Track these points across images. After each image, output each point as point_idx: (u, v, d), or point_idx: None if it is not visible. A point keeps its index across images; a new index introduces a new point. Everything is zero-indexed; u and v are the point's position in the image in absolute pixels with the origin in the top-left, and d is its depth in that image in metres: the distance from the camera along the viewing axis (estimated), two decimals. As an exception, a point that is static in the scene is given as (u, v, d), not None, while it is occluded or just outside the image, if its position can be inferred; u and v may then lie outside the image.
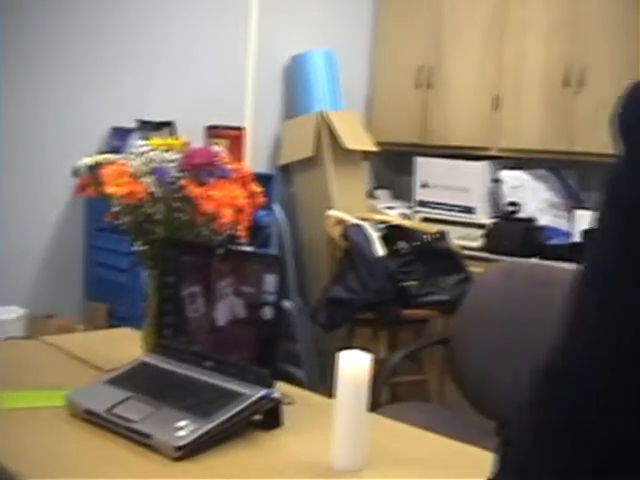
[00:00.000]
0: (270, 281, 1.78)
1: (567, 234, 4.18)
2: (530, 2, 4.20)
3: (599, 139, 3.98)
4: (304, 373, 4.35)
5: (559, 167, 4.36)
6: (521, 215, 4.19)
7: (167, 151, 1.98)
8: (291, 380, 2.15)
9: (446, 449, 1.81)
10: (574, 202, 4.33)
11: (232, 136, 4.13)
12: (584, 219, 4.11)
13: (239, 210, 1.93)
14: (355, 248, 3.72)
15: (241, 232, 1.98)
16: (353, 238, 3.75)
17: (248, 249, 2.76)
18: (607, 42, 3.96)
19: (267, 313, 1.79)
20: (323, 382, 1.72)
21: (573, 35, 4.06)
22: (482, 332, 3.14)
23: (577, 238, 4.08)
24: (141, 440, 1.64)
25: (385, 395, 3.28)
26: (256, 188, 2.03)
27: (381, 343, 3.76)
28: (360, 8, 4.87)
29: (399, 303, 3.67)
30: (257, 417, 1.75)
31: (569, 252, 3.94)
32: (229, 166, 1.98)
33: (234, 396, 1.74)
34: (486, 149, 4.39)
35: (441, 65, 4.56)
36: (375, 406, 2.36)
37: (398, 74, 4.74)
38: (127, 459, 1.61)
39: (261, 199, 2.04)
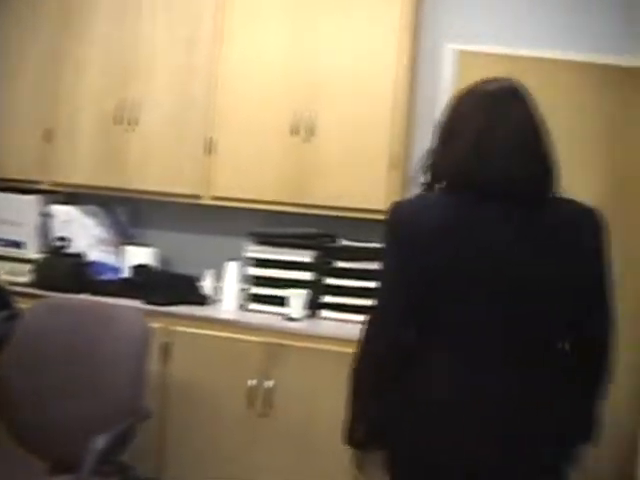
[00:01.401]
0: None
1: (117, 269, 4.23)
2: (87, 40, 4.21)
3: (151, 177, 4.13)
4: None
5: (110, 203, 4.41)
6: (71, 250, 4.16)
7: None
8: None
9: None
10: (124, 238, 4.40)
11: None
12: (134, 255, 4.21)
13: None
14: None
15: None
16: None
17: None
18: (160, 80, 4.12)
19: None
20: None
21: (126, 73, 4.16)
22: (30, 370, 3.07)
23: (127, 273, 4.15)
24: None
25: None
26: None
27: None
28: None
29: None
30: None
31: (119, 288, 4.00)
32: None
33: None
34: (37, 182, 4.30)
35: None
36: None
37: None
38: None
39: None
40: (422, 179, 2.18)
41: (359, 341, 2.15)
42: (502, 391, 2.00)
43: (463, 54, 4.19)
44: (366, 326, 2.14)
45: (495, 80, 2.15)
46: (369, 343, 2.12)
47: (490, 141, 2.02)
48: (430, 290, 2.02)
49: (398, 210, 2.11)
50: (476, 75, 4.03)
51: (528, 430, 2.02)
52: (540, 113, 2.12)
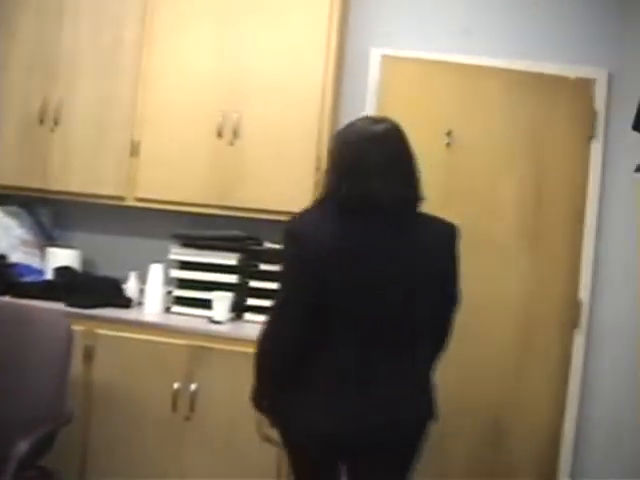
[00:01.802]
0: None
1: (39, 272, 4.18)
2: (11, 38, 4.13)
3: (74, 178, 4.09)
4: None
5: (33, 204, 4.35)
6: (-8, 252, 4.11)
7: None
8: None
9: None
10: (47, 240, 4.35)
11: None
12: (57, 257, 4.16)
13: None
14: None
15: None
16: None
17: None
18: (84, 81, 4.08)
19: None
20: None
21: (51, 73, 4.10)
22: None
23: (49, 276, 4.10)
24: None
25: None
26: None
27: None
28: None
29: None
30: None
31: (42, 290, 3.95)
32: None
33: None
34: (-42, 183, 4.22)
35: None
36: None
37: None
38: None
39: None
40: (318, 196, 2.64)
41: (258, 339, 2.52)
42: (390, 373, 2.48)
43: (387, 59, 4.25)
44: (266, 324, 2.50)
45: (379, 121, 2.57)
46: (269, 341, 2.50)
47: (380, 172, 2.46)
48: (323, 293, 2.41)
49: (296, 222, 2.51)
50: (400, 79, 4.14)
51: (410, 405, 2.53)
52: (412, 147, 2.58)
